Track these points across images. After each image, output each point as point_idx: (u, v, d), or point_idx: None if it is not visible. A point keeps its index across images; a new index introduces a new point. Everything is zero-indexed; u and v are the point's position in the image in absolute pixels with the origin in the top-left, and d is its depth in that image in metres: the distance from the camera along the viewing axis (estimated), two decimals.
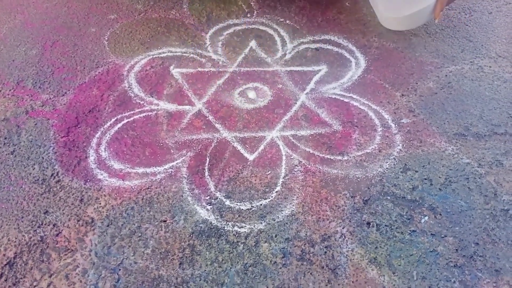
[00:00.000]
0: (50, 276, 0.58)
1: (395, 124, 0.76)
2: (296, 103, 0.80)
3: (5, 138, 0.74)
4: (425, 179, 0.68)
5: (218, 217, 0.64)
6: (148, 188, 0.67)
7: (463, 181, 0.68)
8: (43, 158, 0.71)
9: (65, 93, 0.82)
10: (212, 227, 0.63)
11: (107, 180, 0.68)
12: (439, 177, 0.68)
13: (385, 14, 0.88)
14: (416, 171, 0.69)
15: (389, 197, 0.66)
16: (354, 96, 0.81)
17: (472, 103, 0.80)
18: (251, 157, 0.72)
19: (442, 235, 0.61)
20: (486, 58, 0.89)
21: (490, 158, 0.71)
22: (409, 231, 0.62)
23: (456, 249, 0.60)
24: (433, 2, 0.82)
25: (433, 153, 0.72)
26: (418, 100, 0.80)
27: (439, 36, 0.94)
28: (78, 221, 0.63)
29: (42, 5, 1.03)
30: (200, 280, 0.57)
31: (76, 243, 0.61)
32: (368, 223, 0.63)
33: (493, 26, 0.97)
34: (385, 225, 0.63)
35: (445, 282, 0.57)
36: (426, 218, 0.63)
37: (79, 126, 0.76)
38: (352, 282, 0.57)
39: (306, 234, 0.62)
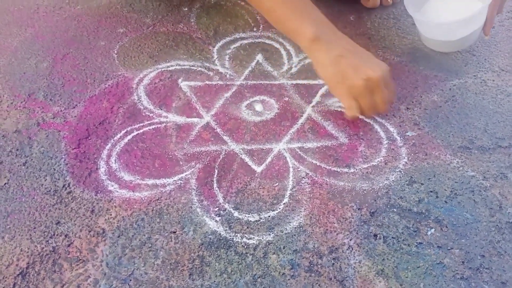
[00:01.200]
0: (62, 287, 0.59)
1: (400, 137, 0.77)
2: (302, 116, 0.82)
3: (17, 150, 0.76)
4: (431, 191, 0.69)
5: (227, 228, 0.65)
6: (158, 199, 0.68)
7: (469, 193, 0.69)
8: (54, 169, 0.73)
9: (76, 105, 0.83)
10: (221, 238, 0.64)
11: (117, 192, 0.69)
12: (445, 189, 0.69)
13: (439, 38, 0.89)
14: (422, 184, 0.70)
15: (395, 210, 0.67)
16: None
17: (476, 117, 0.81)
18: (258, 169, 0.73)
19: (449, 248, 0.62)
20: (489, 72, 0.90)
21: (494, 171, 0.72)
22: (415, 243, 0.63)
23: (463, 261, 0.61)
24: (483, 23, 0.84)
25: (438, 166, 0.73)
26: (423, 113, 0.81)
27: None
28: (90, 231, 0.64)
29: (52, 18, 1.06)
30: None
31: (88, 253, 0.62)
32: (375, 235, 0.64)
33: (496, 40, 0.98)
34: (392, 237, 0.63)
35: None
36: (433, 230, 0.64)
37: (89, 138, 0.77)
38: None
39: (314, 246, 0.63)
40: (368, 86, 0.70)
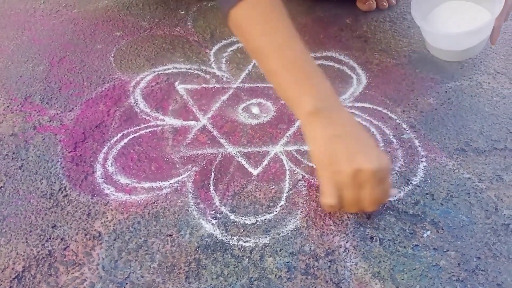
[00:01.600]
0: None
1: (396, 140, 0.78)
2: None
3: (13, 153, 0.76)
4: (427, 194, 0.69)
5: (223, 231, 0.65)
6: (154, 202, 0.68)
7: (464, 196, 0.69)
8: (51, 173, 0.73)
9: (72, 108, 0.83)
10: (217, 241, 0.64)
11: (114, 195, 0.69)
12: (441, 192, 0.69)
13: (446, 48, 0.88)
14: (418, 186, 0.70)
15: (391, 212, 0.67)
16: (356, 112, 0.83)
17: (472, 119, 0.81)
18: (255, 172, 0.73)
19: (444, 250, 0.62)
20: (485, 74, 0.91)
21: (490, 173, 0.72)
22: (411, 246, 0.63)
23: (458, 263, 0.61)
24: (490, 32, 0.83)
25: (434, 168, 0.73)
26: (419, 116, 0.82)
27: None
28: (86, 235, 0.64)
29: (49, 22, 1.06)
30: None
31: (84, 257, 0.62)
32: (371, 238, 0.64)
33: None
34: (388, 240, 0.64)
35: None
36: (428, 232, 0.64)
37: (86, 141, 0.77)
38: None
39: (310, 249, 0.63)
40: (357, 178, 0.57)
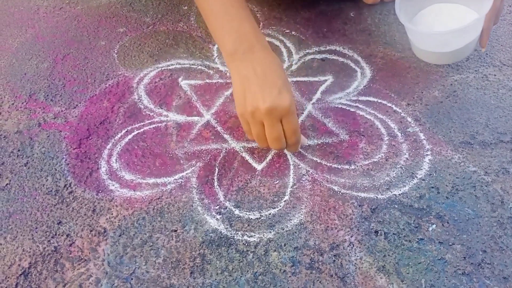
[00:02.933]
0: (64, 286, 0.59)
1: (401, 133, 0.77)
2: (303, 113, 0.81)
3: (19, 150, 0.76)
4: (432, 187, 0.69)
5: (227, 226, 0.65)
6: (158, 198, 0.68)
7: (470, 189, 0.68)
8: (56, 169, 0.73)
9: (77, 105, 0.83)
10: (222, 236, 0.64)
11: (118, 191, 0.70)
12: (446, 185, 0.69)
13: (431, 49, 0.84)
14: (423, 180, 0.70)
15: (396, 206, 0.67)
16: (360, 106, 0.82)
17: (478, 112, 0.80)
18: (259, 167, 0.73)
19: (450, 243, 0.62)
20: (491, 66, 0.90)
21: (496, 166, 0.71)
22: (417, 239, 0.63)
23: (464, 257, 0.60)
24: (478, 35, 0.80)
25: (440, 162, 0.72)
26: (424, 109, 0.81)
27: None
28: (91, 231, 0.65)
29: (52, 19, 1.06)
30: None
31: (89, 253, 0.62)
32: (376, 232, 0.64)
33: (497, 34, 0.97)
34: (393, 234, 0.63)
35: None
36: (434, 226, 0.64)
37: (90, 137, 0.78)
38: None
39: (315, 243, 0.63)
40: (255, 116, 0.62)
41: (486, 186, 0.69)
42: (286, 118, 0.63)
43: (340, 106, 0.83)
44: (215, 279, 0.59)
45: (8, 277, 0.60)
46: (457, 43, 0.80)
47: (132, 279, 0.59)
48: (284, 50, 0.95)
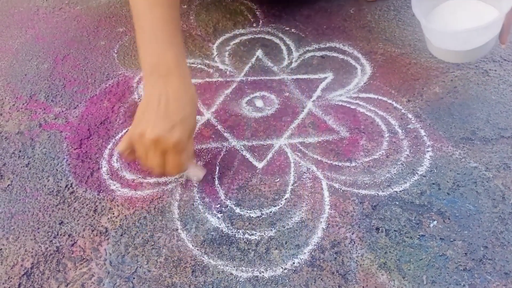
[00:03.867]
0: (66, 286, 0.59)
1: (402, 130, 0.77)
2: (303, 111, 0.81)
3: (20, 151, 0.76)
4: (433, 183, 0.69)
5: (228, 225, 0.65)
6: (159, 197, 0.69)
7: (471, 185, 0.68)
8: (57, 170, 0.73)
9: (77, 105, 0.84)
10: (223, 235, 0.64)
11: (119, 191, 0.70)
12: (447, 181, 0.69)
13: (452, 48, 0.80)
14: (424, 176, 0.70)
15: (397, 203, 0.67)
16: (361, 103, 0.82)
17: (478, 107, 0.80)
18: (259, 165, 0.73)
19: (451, 239, 0.62)
20: (491, 62, 0.90)
21: (497, 161, 0.71)
22: (418, 236, 0.63)
23: (465, 253, 0.60)
24: (498, 31, 0.77)
25: (441, 158, 0.72)
26: (424, 105, 0.81)
27: None
28: (93, 231, 0.65)
29: (52, 19, 1.06)
30: (212, 287, 0.58)
31: (91, 252, 0.62)
32: (377, 229, 0.64)
33: None
34: (394, 230, 0.63)
35: (455, 285, 0.57)
36: (435, 222, 0.64)
37: (91, 138, 0.78)
38: (363, 287, 0.58)
39: (316, 241, 0.63)
40: (142, 141, 0.61)
41: (487, 182, 0.69)
42: (170, 154, 0.62)
43: (340, 103, 0.82)
44: (217, 278, 0.59)
45: (11, 278, 0.60)
46: (478, 40, 0.77)
47: (134, 278, 0.60)
48: (284, 47, 0.95)
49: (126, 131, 0.78)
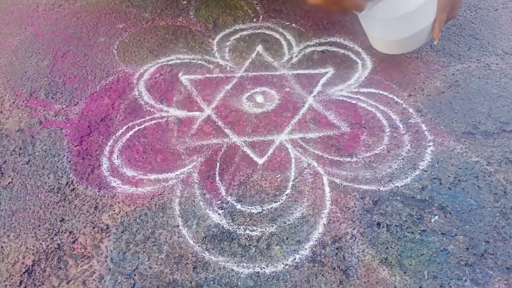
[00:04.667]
0: (68, 283, 0.59)
1: (403, 125, 0.77)
2: (304, 106, 0.81)
3: (20, 149, 0.76)
4: (434, 178, 0.68)
5: (229, 221, 0.65)
6: (160, 194, 0.68)
7: (473, 179, 0.68)
8: (57, 167, 0.73)
9: (77, 102, 0.83)
10: (224, 231, 0.64)
11: (120, 187, 0.70)
12: (448, 176, 0.69)
13: (382, 37, 0.82)
14: (425, 171, 0.69)
15: (398, 198, 0.66)
16: (362, 98, 0.82)
17: (480, 101, 0.80)
18: (260, 161, 0.73)
19: (453, 234, 0.62)
20: (493, 55, 0.89)
21: (499, 156, 0.71)
22: (419, 231, 0.62)
23: (467, 248, 0.60)
24: (431, 24, 0.77)
25: (442, 152, 0.72)
26: (426, 100, 0.80)
27: (445, 34, 0.94)
28: (94, 228, 0.65)
29: (51, 16, 1.06)
30: (214, 284, 0.58)
31: (92, 249, 0.62)
32: (378, 224, 0.64)
33: (499, 23, 0.97)
34: (395, 225, 0.63)
35: (456, 280, 0.57)
36: (436, 217, 0.64)
37: (91, 134, 0.78)
38: (364, 282, 0.58)
39: (317, 236, 0.63)
40: None
41: (488, 176, 0.68)
42: None
43: (341, 98, 0.82)
44: (218, 274, 0.59)
45: (12, 275, 0.60)
46: (407, 30, 0.78)
47: (135, 275, 0.60)
48: (284, 43, 0.95)
49: (127, 127, 0.78)
